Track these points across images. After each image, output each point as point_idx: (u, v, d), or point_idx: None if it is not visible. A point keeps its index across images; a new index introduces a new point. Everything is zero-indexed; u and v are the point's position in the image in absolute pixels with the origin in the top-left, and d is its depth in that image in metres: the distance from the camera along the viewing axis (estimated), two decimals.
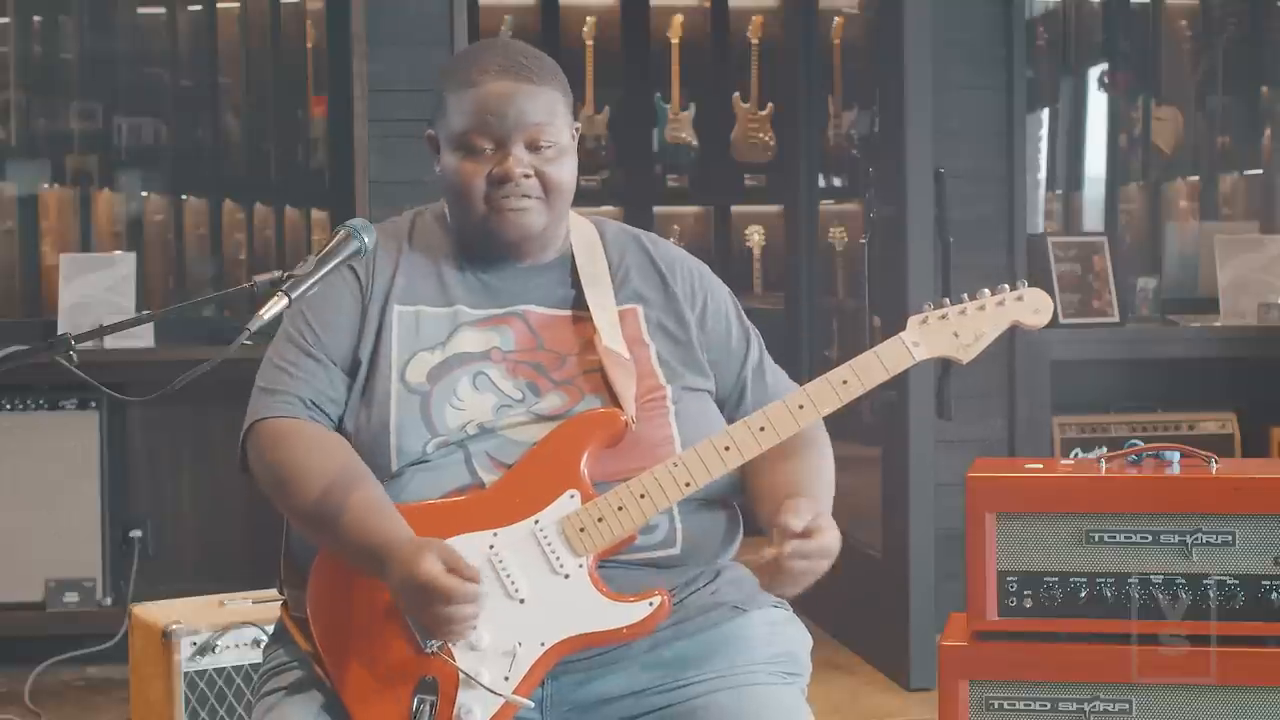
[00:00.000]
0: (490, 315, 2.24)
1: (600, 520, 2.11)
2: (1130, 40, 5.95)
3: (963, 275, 4.43)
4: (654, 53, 7.22)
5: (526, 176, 2.20)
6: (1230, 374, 5.21)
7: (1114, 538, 2.73)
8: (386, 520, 2.08)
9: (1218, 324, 5.22)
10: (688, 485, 2.13)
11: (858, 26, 5.40)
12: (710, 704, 2.12)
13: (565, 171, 2.23)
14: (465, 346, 2.21)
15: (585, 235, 2.33)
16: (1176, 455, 2.80)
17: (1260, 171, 5.89)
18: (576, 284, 2.27)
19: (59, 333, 3.49)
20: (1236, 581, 2.70)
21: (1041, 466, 2.84)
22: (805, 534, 2.07)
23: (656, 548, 2.17)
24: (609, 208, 7.01)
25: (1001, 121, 4.94)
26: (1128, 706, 2.71)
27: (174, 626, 3.43)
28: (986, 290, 2.26)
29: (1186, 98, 5.97)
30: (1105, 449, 4.32)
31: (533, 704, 2.10)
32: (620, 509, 2.11)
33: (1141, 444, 2.87)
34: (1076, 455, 4.94)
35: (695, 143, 7.21)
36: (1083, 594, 2.73)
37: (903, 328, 2.23)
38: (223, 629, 3.45)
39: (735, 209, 7.40)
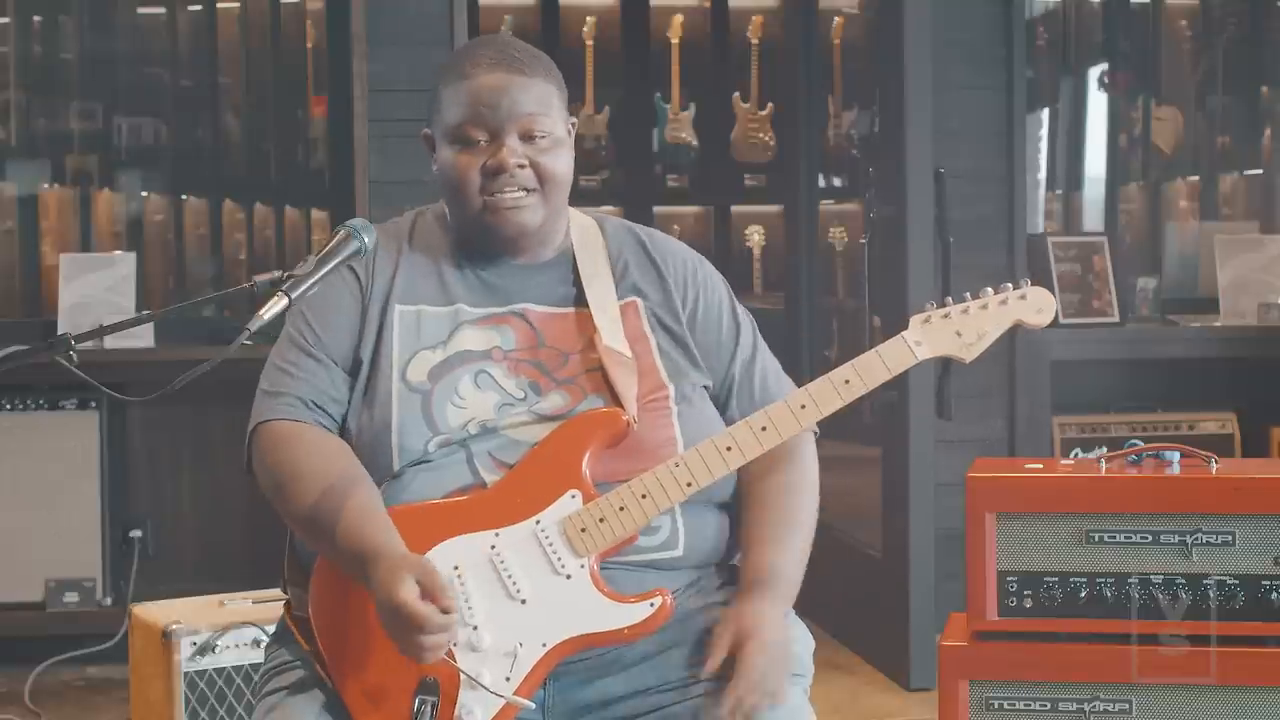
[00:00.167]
0: (491, 314, 2.23)
1: (602, 521, 2.11)
2: (1130, 40, 5.95)
3: (963, 275, 4.43)
4: (654, 53, 7.22)
5: (521, 167, 2.19)
6: (1230, 374, 5.21)
7: (1114, 538, 2.73)
8: (377, 531, 2.07)
9: (1218, 324, 5.22)
10: (689, 485, 2.13)
11: (858, 26, 5.40)
12: (714, 703, 2.12)
13: (560, 162, 2.22)
14: (466, 345, 2.21)
15: (586, 231, 2.32)
16: (1176, 455, 2.80)
17: (1260, 171, 5.89)
18: (578, 281, 2.27)
19: (59, 333, 3.49)
20: (1236, 581, 2.70)
21: (1041, 466, 2.84)
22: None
23: (659, 549, 2.16)
24: (609, 208, 7.00)
25: (1001, 121, 4.94)
26: (1128, 706, 2.71)
27: (174, 626, 3.43)
28: (989, 289, 2.25)
29: (1186, 98, 5.97)
30: (1105, 449, 4.32)
31: (533, 705, 2.10)
32: (622, 509, 2.11)
33: (1141, 444, 2.87)
34: (1076, 455, 4.94)
35: (695, 143, 7.20)
36: (1083, 594, 2.73)
37: (904, 327, 2.22)
38: (223, 629, 3.45)
39: (735, 209, 7.39)
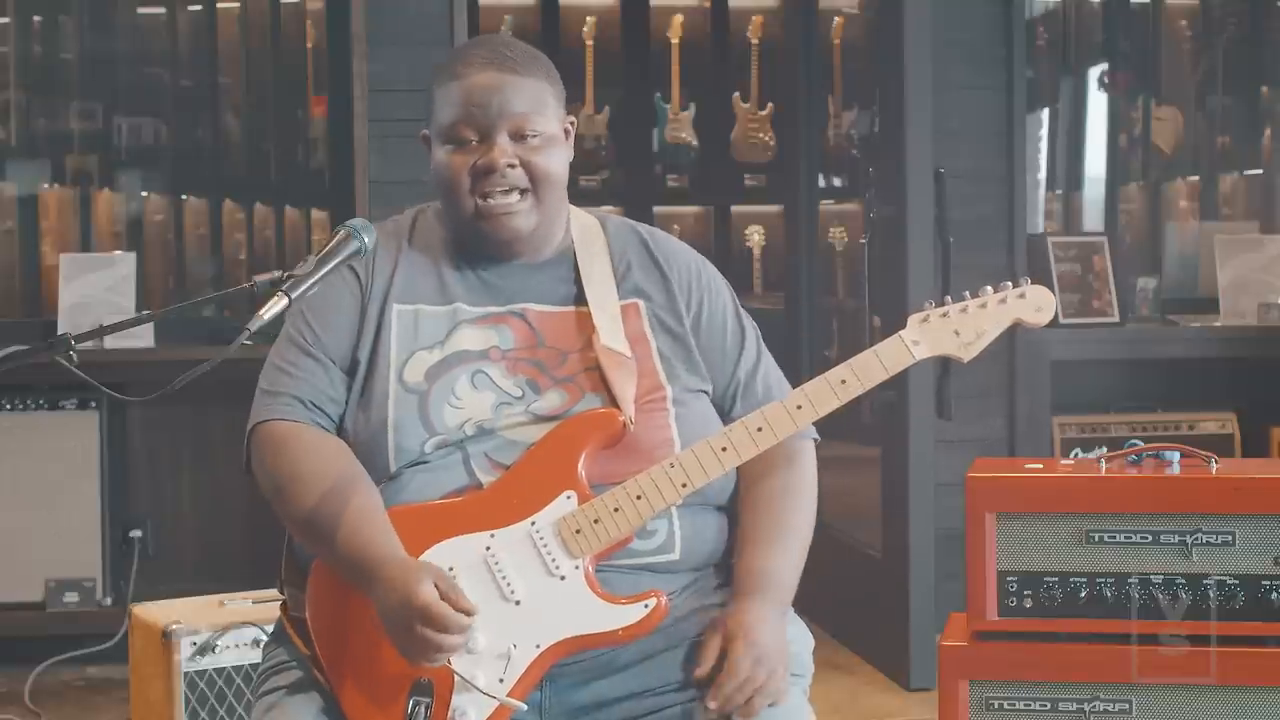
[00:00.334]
0: (489, 313, 2.23)
1: (596, 522, 2.10)
2: (1130, 40, 5.95)
3: (963, 275, 4.41)
4: (654, 53, 7.22)
5: (511, 166, 2.19)
6: (1230, 374, 5.21)
7: (1114, 538, 2.72)
8: (379, 535, 2.07)
9: (1218, 324, 5.22)
10: (684, 486, 2.12)
11: (858, 26, 5.40)
12: (702, 708, 2.11)
13: (553, 162, 2.22)
14: (464, 345, 2.20)
15: (587, 230, 2.31)
16: (1176, 455, 2.80)
17: (1260, 171, 5.89)
18: (578, 280, 2.26)
19: (59, 333, 3.49)
20: (1236, 581, 2.69)
21: (1041, 466, 2.84)
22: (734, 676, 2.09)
23: (655, 552, 2.16)
24: (609, 208, 6.98)
25: (1001, 121, 4.94)
26: (1128, 706, 2.71)
27: (174, 626, 3.43)
28: (988, 287, 2.23)
29: (1186, 98, 5.97)
30: (1105, 449, 4.32)
31: (526, 707, 2.09)
32: (617, 511, 2.11)
33: (1141, 444, 2.87)
34: (1076, 455, 4.94)
35: (695, 143, 7.20)
36: (1083, 594, 2.73)
37: (903, 327, 2.22)
38: (223, 629, 3.45)
39: (735, 209, 7.39)
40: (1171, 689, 2.70)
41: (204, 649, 3.43)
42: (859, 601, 4.87)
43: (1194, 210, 5.93)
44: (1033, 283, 2.27)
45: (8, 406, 4.87)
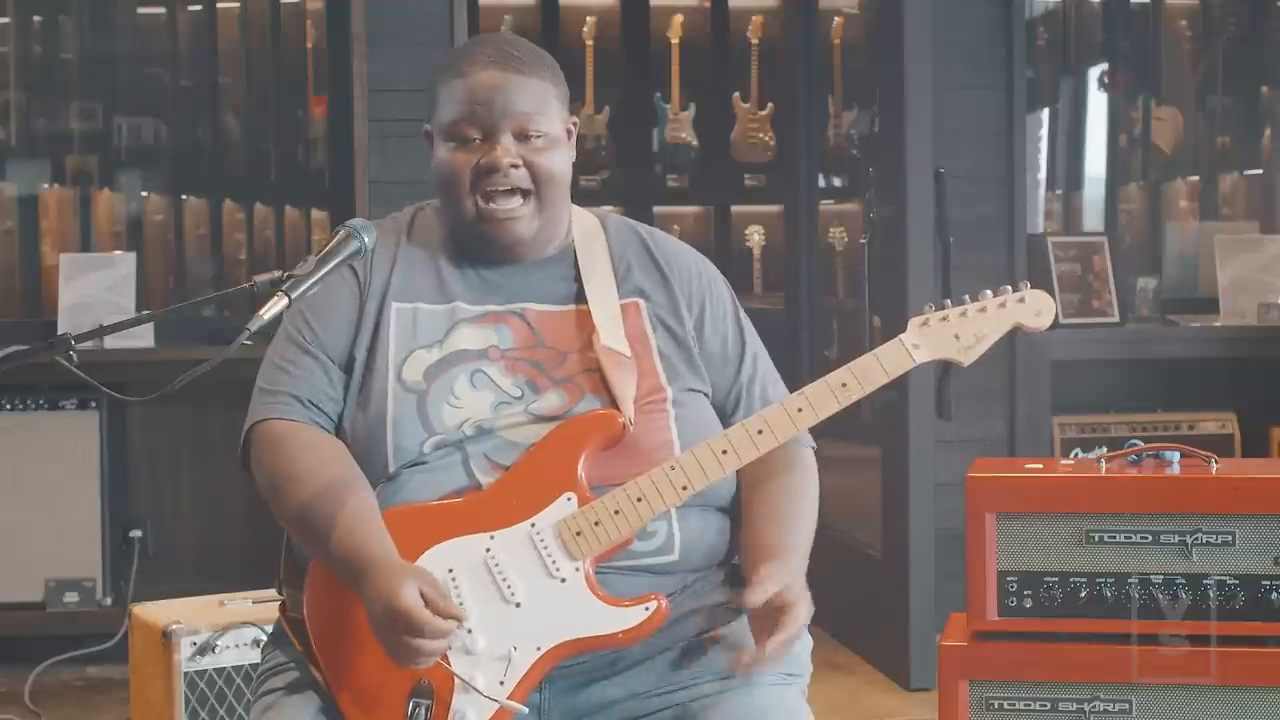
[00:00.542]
0: (489, 312, 2.22)
1: (597, 524, 2.10)
2: (1130, 40, 5.95)
3: (963, 275, 4.43)
4: (654, 53, 7.22)
5: (514, 166, 2.18)
6: (1230, 374, 5.21)
7: (1114, 538, 2.73)
8: (372, 536, 2.06)
9: (1218, 324, 5.22)
10: (684, 489, 2.12)
11: (858, 26, 5.40)
12: (711, 705, 2.12)
13: (556, 162, 2.21)
14: (463, 344, 2.20)
15: (588, 229, 2.31)
16: (1176, 455, 2.80)
17: (1260, 171, 5.89)
18: (578, 279, 2.26)
19: (59, 333, 3.49)
20: (1236, 581, 2.69)
21: (1041, 466, 2.84)
22: (775, 609, 2.07)
23: (655, 554, 2.15)
24: (609, 208, 6.97)
25: (1001, 121, 4.94)
26: (1128, 706, 2.71)
27: (174, 626, 3.43)
28: (988, 291, 2.23)
29: (1186, 98, 5.97)
30: (1105, 449, 4.32)
31: (527, 710, 2.08)
32: (617, 513, 2.10)
33: (1141, 444, 2.87)
34: (1076, 455, 4.94)
35: (695, 143, 7.20)
36: (1083, 594, 2.73)
37: (903, 328, 2.21)
38: (223, 629, 3.45)
39: (735, 209, 7.39)
40: (1171, 689, 2.70)
41: (204, 649, 3.43)
42: (859, 601, 4.87)
43: (1194, 210, 5.93)
44: (1033, 285, 2.26)
45: (8, 406, 4.87)
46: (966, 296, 2.22)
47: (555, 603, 2.09)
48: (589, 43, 7.08)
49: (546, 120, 2.20)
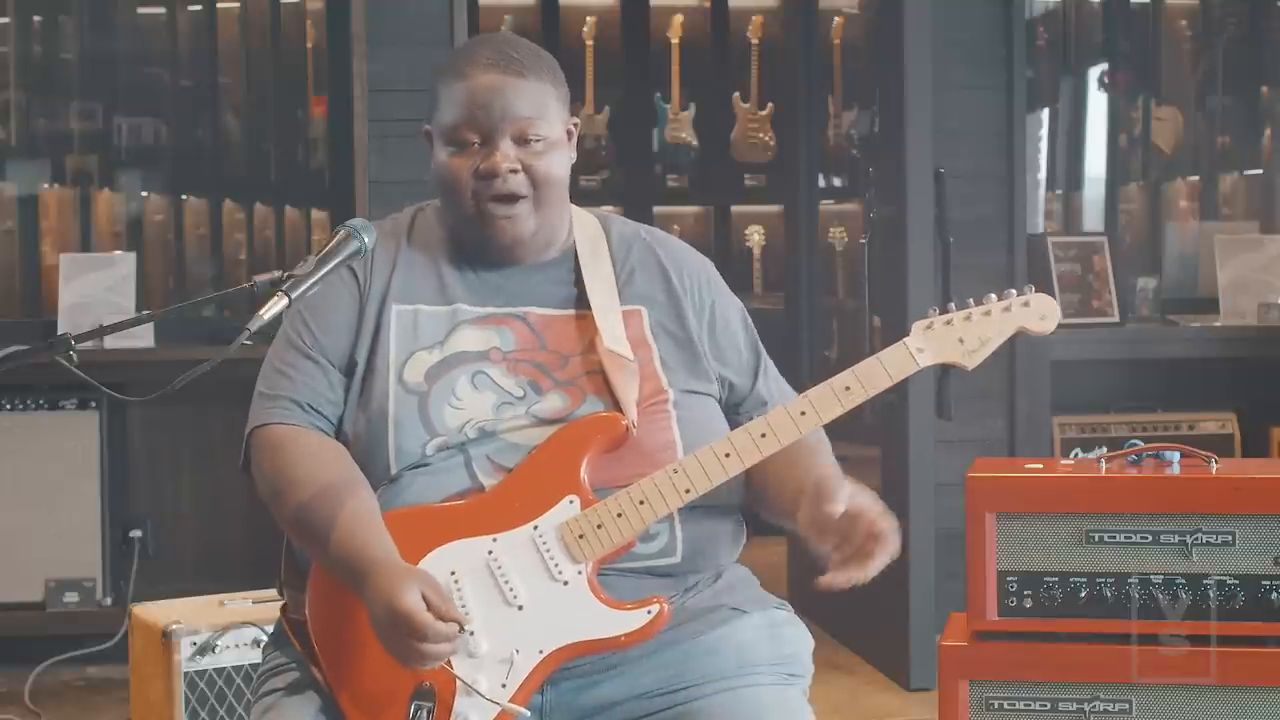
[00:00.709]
0: (490, 314, 2.22)
1: (599, 527, 2.10)
2: (1130, 40, 5.95)
3: (963, 275, 4.44)
4: (654, 53, 7.22)
5: (513, 171, 2.18)
6: (1230, 374, 5.21)
7: (1114, 538, 2.73)
8: (373, 537, 2.06)
9: (1218, 324, 5.22)
10: (687, 492, 2.11)
11: (858, 26, 5.40)
12: (713, 705, 2.12)
13: (555, 166, 2.21)
14: (464, 345, 2.19)
15: (589, 232, 2.30)
16: (1176, 455, 2.80)
17: (1260, 171, 5.89)
18: (579, 283, 2.25)
19: (59, 333, 3.49)
20: (1236, 581, 2.70)
21: (1041, 466, 2.84)
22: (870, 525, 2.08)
23: (657, 556, 2.15)
24: (609, 208, 6.99)
25: (1001, 121, 4.94)
26: (1128, 706, 2.71)
27: (174, 626, 3.43)
28: (992, 295, 2.22)
29: (1186, 98, 5.97)
30: (1105, 449, 4.32)
31: (529, 713, 2.08)
32: (619, 516, 2.10)
33: (1141, 444, 2.87)
34: (1076, 455, 4.94)
35: (695, 143, 7.21)
36: (1083, 594, 2.73)
37: (903, 328, 2.21)
38: (223, 629, 3.45)
39: (735, 209, 7.40)
40: (1171, 689, 2.70)
41: (204, 649, 3.43)
42: (859, 601, 4.85)
43: (1194, 210, 5.93)
44: (1036, 289, 2.26)
45: (8, 406, 4.87)
46: (971, 300, 2.21)
47: (558, 605, 2.08)
48: (589, 43, 7.08)
49: (546, 124, 2.20)
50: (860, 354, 2.20)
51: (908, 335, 2.19)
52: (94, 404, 4.91)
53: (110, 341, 4.63)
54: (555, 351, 2.21)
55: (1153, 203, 5.94)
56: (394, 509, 2.11)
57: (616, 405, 2.15)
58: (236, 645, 3.46)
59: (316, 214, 5.60)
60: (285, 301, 2.03)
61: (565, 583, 2.09)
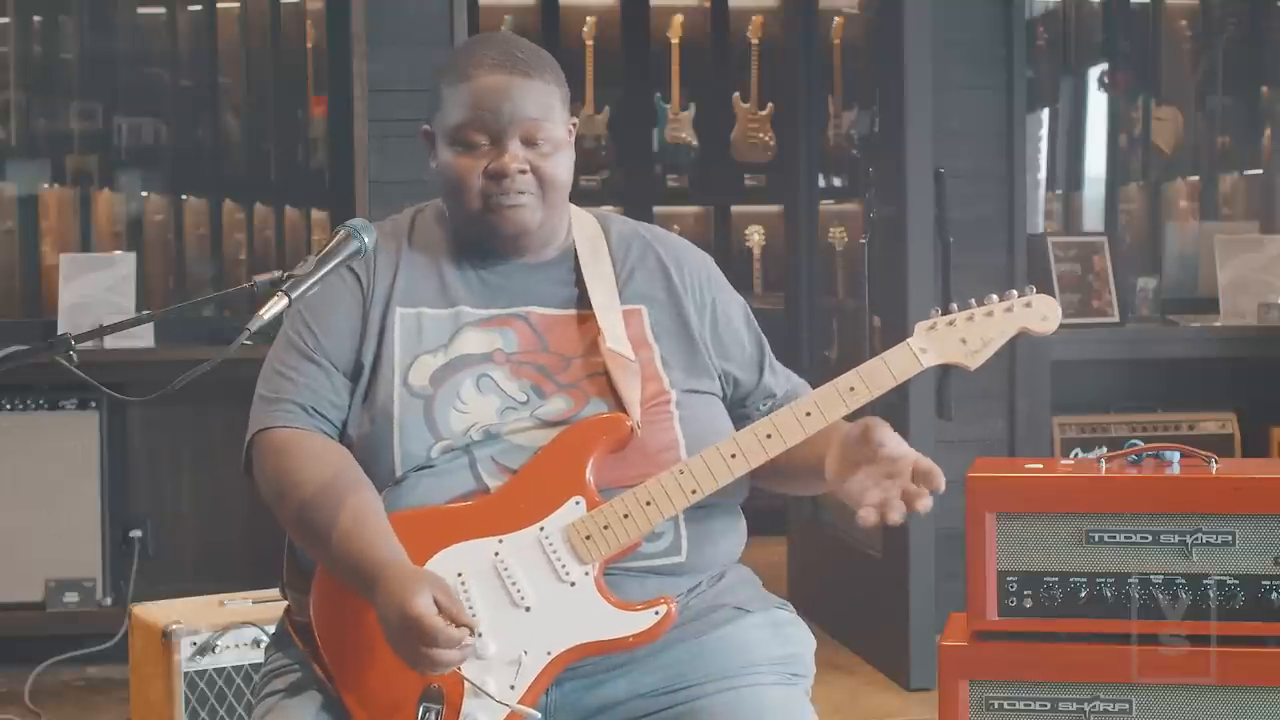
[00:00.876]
0: (493, 315, 2.22)
1: (606, 528, 2.10)
2: (1130, 40, 5.95)
3: (963, 275, 4.44)
4: (654, 53, 7.23)
5: (522, 172, 2.18)
6: (1230, 374, 5.21)
7: (1114, 538, 2.73)
8: (379, 537, 2.05)
9: (1218, 324, 5.22)
10: (694, 493, 2.11)
11: (858, 26, 5.40)
12: (716, 705, 2.12)
13: (561, 168, 2.21)
14: (468, 348, 2.19)
15: (588, 232, 2.31)
16: (1176, 455, 2.80)
17: (1260, 171, 5.89)
18: (580, 282, 2.25)
19: (59, 333, 3.49)
20: (1236, 581, 2.70)
21: (1041, 466, 2.84)
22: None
23: (662, 555, 2.15)
24: (609, 208, 6.99)
25: (1001, 121, 4.93)
26: (1128, 706, 2.71)
27: (174, 626, 3.42)
28: (994, 295, 2.22)
29: (1186, 98, 5.97)
30: (1105, 449, 4.32)
31: (539, 715, 2.08)
32: (626, 516, 2.10)
33: (1141, 444, 2.87)
34: (1076, 455, 4.94)
35: (695, 143, 7.21)
36: (1083, 594, 2.73)
37: (903, 328, 2.21)
38: (223, 629, 3.45)
39: (735, 209, 7.40)
40: (1171, 689, 2.70)
41: (204, 649, 3.43)
42: (859, 601, 4.87)
43: (1194, 210, 5.93)
44: (1037, 290, 2.26)
45: (8, 406, 4.87)
46: (973, 300, 2.21)
47: (565, 607, 2.08)
48: (589, 43, 7.08)
49: (552, 125, 2.20)
50: (860, 354, 2.21)
51: (910, 335, 2.19)
52: (94, 404, 4.91)
53: (110, 341, 4.63)
54: (557, 354, 2.21)
55: (1153, 203, 5.94)
56: (399, 510, 2.11)
57: (620, 406, 2.15)
58: (236, 645, 3.46)
59: (316, 214, 5.60)
60: (285, 301, 2.03)
61: (572, 584, 2.09)
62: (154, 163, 5.78)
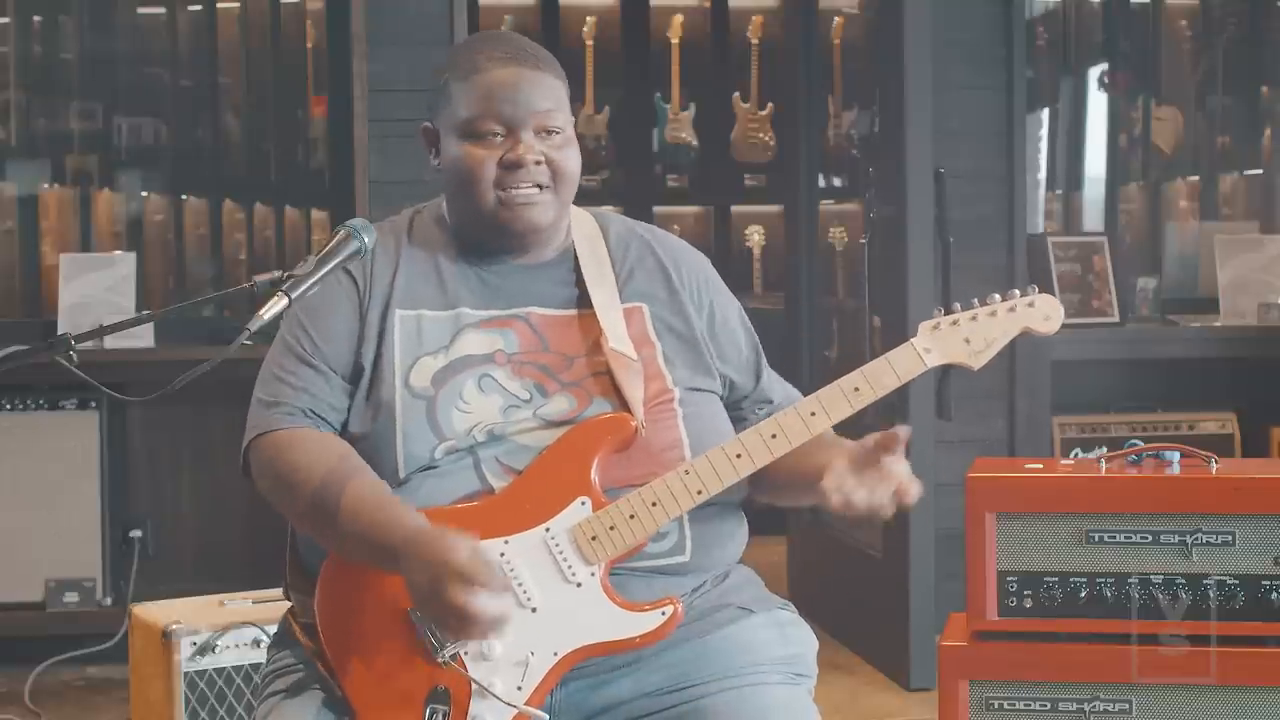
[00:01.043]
0: (493, 316, 2.22)
1: (612, 528, 2.09)
2: (1130, 40, 5.95)
3: (963, 275, 4.44)
4: (654, 53, 7.23)
5: (537, 163, 2.18)
6: (1230, 374, 5.21)
7: (1114, 538, 2.73)
8: (403, 510, 2.04)
9: (1218, 324, 5.22)
10: (699, 493, 2.11)
11: (858, 26, 5.40)
12: (719, 704, 2.12)
13: (572, 160, 2.22)
14: (469, 349, 2.19)
15: (587, 231, 2.31)
16: (1176, 455, 2.80)
17: (1260, 171, 5.89)
18: (580, 282, 2.25)
19: (59, 333, 3.49)
20: (1236, 581, 2.70)
21: (1041, 466, 2.84)
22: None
23: (667, 555, 2.15)
24: (609, 208, 6.99)
25: (1001, 121, 4.94)
26: (1128, 706, 2.71)
27: (174, 626, 3.42)
28: (997, 295, 2.23)
29: (1186, 98, 5.97)
30: (1105, 449, 4.32)
31: (547, 716, 2.08)
32: (632, 517, 2.10)
33: (1141, 444, 2.87)
34: (1076, 455, 4.94)
35: (695, 143, 7.21)
36: (1083, 594, 2.73)
37: (903, 328, 2.22)
38: (223, 629, 3.45)
39: (735, 209, 7.40)
40: (1171, 689, 2.70)
41: (204, 649, 3.43)
42: (859, 601, 4.87)
43: (1194, 210, 5.93)
44: (1039, 290, 2.26)
45: (8, 406, 4.87)
46: (975, 300, 2.21)
47: (572, 607, 2.08)
48: (589, 43, 7.08)
49: (563, 117, 2.21)
50: (860, 354, 2.21)
51: (911, 335, 2.20)
52: (94, 404, 4.91)
53: (110, 341, 4.63)
54: (559, 353, 2.20)
55: (1153, 203, 5.94)
56: None
57: (624, 406, 2.15)
58: (236, 645, 3.46)
59: (316, 214, 5.60)
60: (285, 301, 2.03)
61: (579, 584, 2.09)
62: (154, 163, 5.78)
